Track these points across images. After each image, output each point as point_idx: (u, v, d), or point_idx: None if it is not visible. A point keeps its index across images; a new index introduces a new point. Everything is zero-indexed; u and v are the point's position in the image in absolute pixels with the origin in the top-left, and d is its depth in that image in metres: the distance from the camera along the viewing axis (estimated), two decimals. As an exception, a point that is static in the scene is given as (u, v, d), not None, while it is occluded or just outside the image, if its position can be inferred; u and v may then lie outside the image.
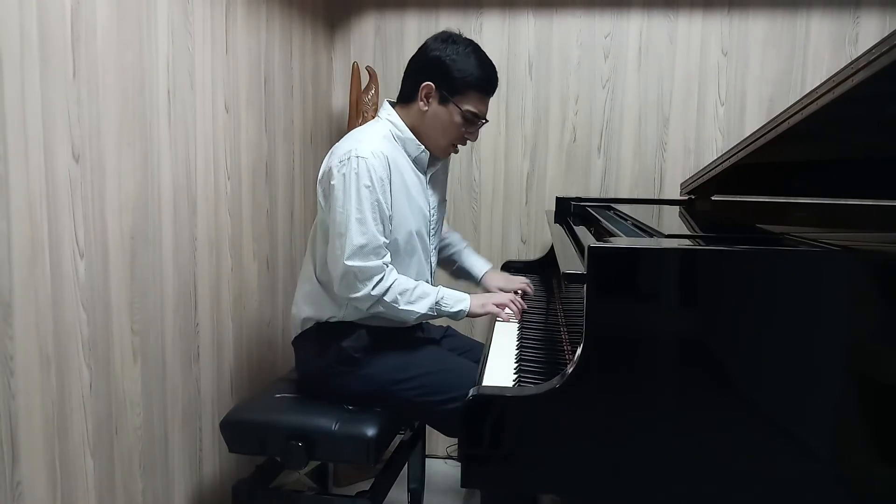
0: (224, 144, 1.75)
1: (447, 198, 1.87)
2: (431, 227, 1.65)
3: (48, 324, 1.19)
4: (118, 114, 1.34)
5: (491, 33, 2.34)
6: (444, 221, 1.86)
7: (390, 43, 2.41)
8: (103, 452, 1.35)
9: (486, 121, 1.61)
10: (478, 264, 1.88)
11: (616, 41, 2.29)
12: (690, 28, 2.24)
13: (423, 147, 1.58)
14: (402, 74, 1.60)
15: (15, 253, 1.12)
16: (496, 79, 1.58)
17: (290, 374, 1.76)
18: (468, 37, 1.57)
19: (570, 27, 2.30)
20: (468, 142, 1.62)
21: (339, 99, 2.47)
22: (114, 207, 1.34)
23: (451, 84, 1.52)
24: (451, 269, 1.92)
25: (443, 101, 1.53)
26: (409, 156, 1.58)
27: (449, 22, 2.34)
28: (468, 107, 1.54)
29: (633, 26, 2.27)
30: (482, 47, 1.58)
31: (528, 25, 2.32)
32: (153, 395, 1.50)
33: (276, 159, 2.05)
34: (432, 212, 1.65)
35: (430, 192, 1.64)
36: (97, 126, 1.29)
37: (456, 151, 1.65)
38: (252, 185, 1.91)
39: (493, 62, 1.57)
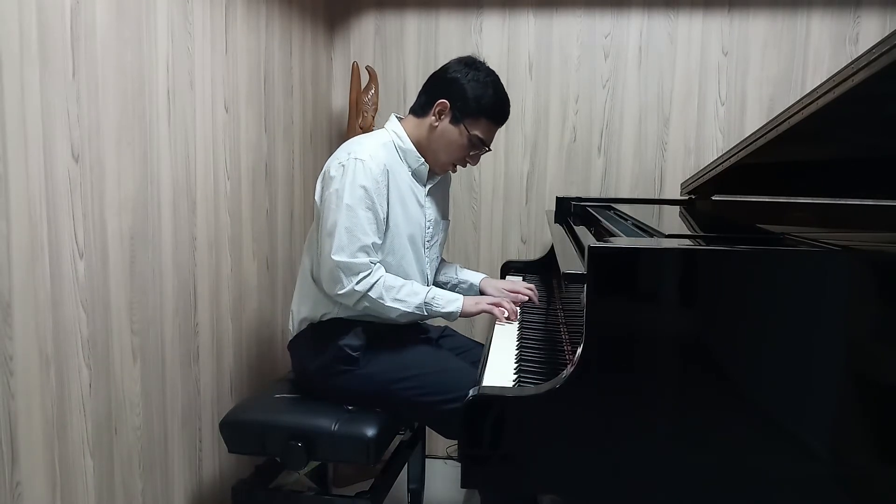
0: (224, 144, 1.74)
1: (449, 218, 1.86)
2: (426, 238, 1.67)
3: (48, 324, 1.19)
4: (118, 114, 1.34)
5: (491, 33, 2.33)
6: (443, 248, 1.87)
7: (390, 43, 2.40)
8: (103, 452, 1.35)
9: (490, 149, 1.67)
10: (473, 275, 1.89)
11: (616, 41, 2.29)
12: (691, 28, 2.24)
13: (423, 160, 1.62)
14: (420, 87, 1.66)
15: (14, 253, 1.11)
16: (508, 111, 1.65)
17: (289, 374, 1.76)
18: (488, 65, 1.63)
19: (570, 27, 2.30)
20: (468, 164, 1.67)
21: (339, 99, 2.47)
22: (113, 207, 1.34)
23: (465, 106, 1.57)
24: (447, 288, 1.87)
25: (454, 120, 1.58)
26: (408, 167, 1.62)
27: (449, 22, 2.34)
28: (476, 132, 1.59)
29: (634, 26, 2.27)
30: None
31: (528, 25, 2.32)
32: (153, 396, 1.50)
33: (276, 159, 2.05)
34: (428, 224, 1.67)
35: (427, 204, 1.67)
36: (97, 126, 1.29)
37: (454, 171, 1.71)
38: (252, 185, 1.90)
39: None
